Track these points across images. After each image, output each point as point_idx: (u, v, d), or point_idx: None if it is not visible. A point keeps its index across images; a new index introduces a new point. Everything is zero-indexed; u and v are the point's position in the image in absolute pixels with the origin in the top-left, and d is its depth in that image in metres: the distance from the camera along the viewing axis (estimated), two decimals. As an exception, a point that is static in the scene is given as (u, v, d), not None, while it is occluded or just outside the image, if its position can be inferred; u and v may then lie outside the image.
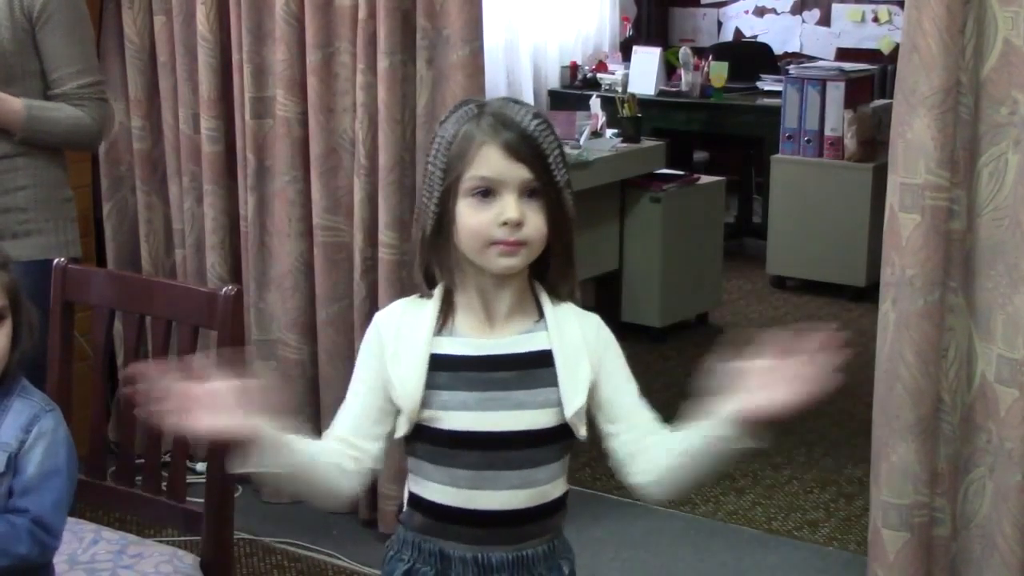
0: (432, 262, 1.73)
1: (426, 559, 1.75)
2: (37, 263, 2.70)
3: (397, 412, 1.73)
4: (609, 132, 5.18)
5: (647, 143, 5.30)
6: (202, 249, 3.68)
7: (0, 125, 2.82)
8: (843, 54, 7.36)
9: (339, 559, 3.34)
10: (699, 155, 7.21)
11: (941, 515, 2.65)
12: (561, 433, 1.71)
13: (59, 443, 1.97)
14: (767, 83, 6.66)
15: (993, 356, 2.52)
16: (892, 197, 2.59)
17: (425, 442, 1.72)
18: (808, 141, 5.87)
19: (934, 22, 2.44)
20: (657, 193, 5.12)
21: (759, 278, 6.24)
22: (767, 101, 6.37)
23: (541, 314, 1.74)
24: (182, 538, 2.99)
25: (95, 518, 2.60)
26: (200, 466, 3.54)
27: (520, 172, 1.65)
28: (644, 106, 5.71)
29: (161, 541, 2.65)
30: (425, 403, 1.69)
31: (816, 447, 4.16)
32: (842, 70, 5.92)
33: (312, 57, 3.31)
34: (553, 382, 1.70)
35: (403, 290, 2.96)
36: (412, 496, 1.78)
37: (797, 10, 7.78)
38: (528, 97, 6.75)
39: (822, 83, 5.83)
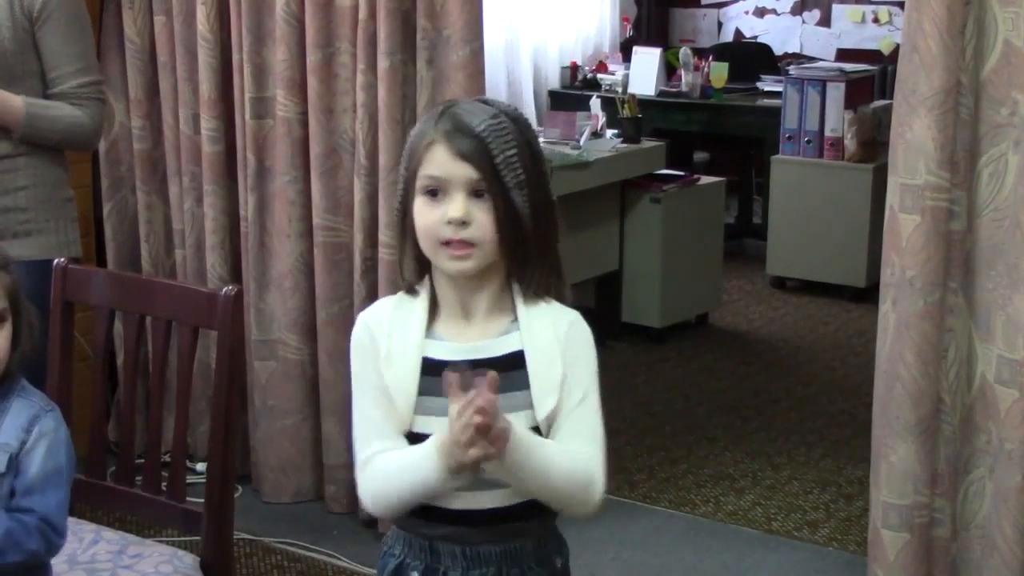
0: (407, 261, 1.74)
1: (416, 554, 1.76)
2: (38, 263, 2.70)
3: None
4: (609, 133, 5.18)
5: (647, 144, 5.30)
6: (202, 249, 3.68)
7: (0, 122, 2.83)
8: (843, 55, 7.36)
9: (339, 559, 3.34)
10: (699, 156, 7.20)
11: (941, 516, 2.65)
12: (538, 435, 1.69)
13: (60, 443, 1.96)
14: (767, 84, 6.66)
15: (993, 357, 2.52)
16: (892, 198, 2.59)
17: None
18: (808, 142, 5.86)
19: (934, 23, 2.44)
20: (657, 194, 5.12)
21: (759, 279, 6.24)
22: (767, 102, 6.37)
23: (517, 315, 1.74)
24: (182, 538, 2.99)
25: (95, 518, 2.60)
26: (200, 466, 3.54)
27: (466, 171, 1.65)
28: (644, 107, 5.71)
29: (161, 541, 2.65)
30: (416, 409, 1.69)
31: (816, 447, 4.15)
32: (842, 71, 5.92)
33: (312, 57, 3.31)
34: (525, 384, 1.69)
35: (403, 290, 2.96)
36: None
37: (797, 11, 7.78)
38: (528, 97, 6.76)
39: (822, 84, 5.82)
